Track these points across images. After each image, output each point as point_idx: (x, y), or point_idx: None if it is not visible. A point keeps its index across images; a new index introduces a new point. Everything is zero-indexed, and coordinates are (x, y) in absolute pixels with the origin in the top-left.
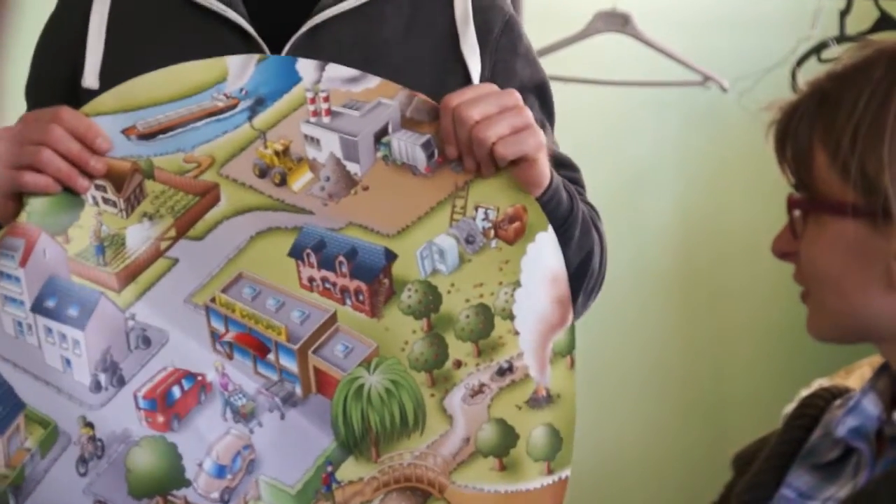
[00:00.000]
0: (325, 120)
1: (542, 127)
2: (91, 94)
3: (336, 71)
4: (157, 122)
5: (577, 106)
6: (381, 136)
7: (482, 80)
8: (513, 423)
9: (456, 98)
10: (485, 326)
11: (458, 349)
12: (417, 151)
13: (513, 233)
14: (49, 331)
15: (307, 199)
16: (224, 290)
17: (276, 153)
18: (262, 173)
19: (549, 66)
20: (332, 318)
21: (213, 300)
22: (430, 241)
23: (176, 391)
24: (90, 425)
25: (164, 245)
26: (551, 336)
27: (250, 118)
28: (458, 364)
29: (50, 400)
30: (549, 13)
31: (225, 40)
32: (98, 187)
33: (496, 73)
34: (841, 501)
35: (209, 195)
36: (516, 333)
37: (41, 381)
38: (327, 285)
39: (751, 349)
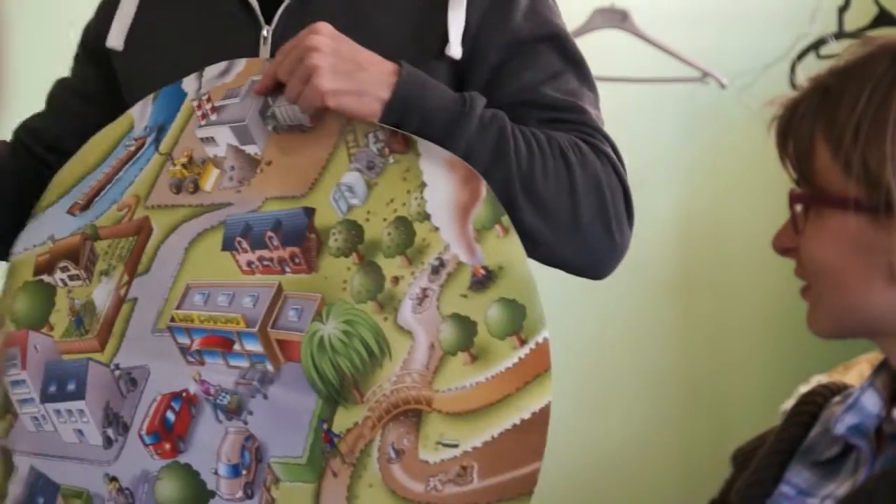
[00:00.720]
0: (213, 117)
1: (557, 74)
2: (114, 55)
3: (210, 72)
4: (90, 188)
5: None
6: (264, 111)
7: (467, 36)
8: (465, 312)
9: (277, 56)
10: (407, 236)
11: (391, 266)
12: (297, 111)
13: (402, 142)
14: (58, 412)
15: (222, 193)
16: (178, 307)
17: (184, 165)
18: (178, 188)
19: None
20: (279, 290)
21: (172, 319)
22: (337, 182)
23: (170, 415)
24: (115, 479)
25: (122, 291)
26: (469, 216)
27: (156, 147)
28: (396, 280)
29: (77, 472)
30: None
31: (224, 9)
32: (62, 269)
33: (485, 26)
34: (839, 499)
35: (144, 230)
36: (436, 230)
37: (66, 459)
38: (265, 262)
39: (750, 345)
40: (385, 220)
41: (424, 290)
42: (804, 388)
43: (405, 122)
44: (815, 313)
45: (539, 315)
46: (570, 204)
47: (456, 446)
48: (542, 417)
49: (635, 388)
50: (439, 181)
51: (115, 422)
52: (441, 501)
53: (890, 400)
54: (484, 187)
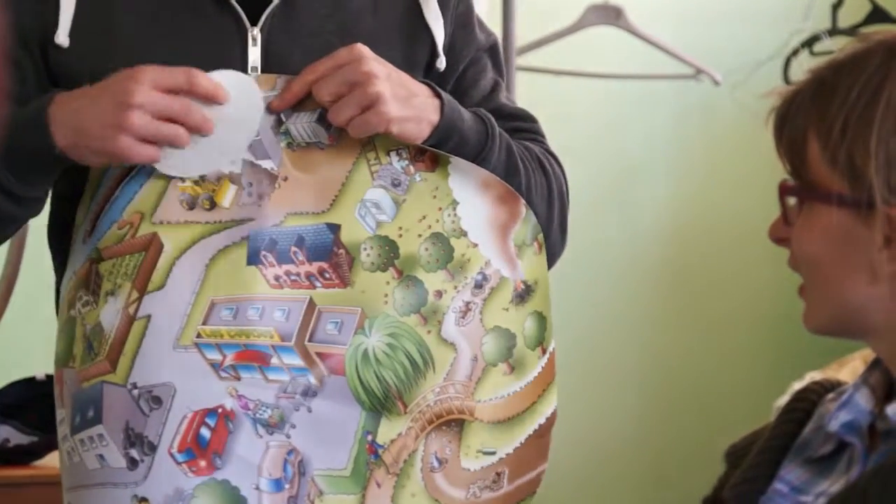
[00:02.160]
0: None
1: (497, 83)
2: (62, 52)
3: None
4: (93, 212)
5: (569, 99)
6: (277, 127)
7: (445, 46)
8: (507, 325)
9: (310, 74)
10: (446, 251)
11: (433, 281)
12: (316, 127)
13: (429, 161)
14: (82, 441)
15: (242, 210)
16: (204, 322)
17: (196, 182)
18: (191, 205)
19: (541, 59)
20: (311, 304)
21: (198, 336)
22: (361, 199)
23: (205, 432)
24: (145, 500)
25: (132, 309)
26: (508, 233)
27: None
28: (439, 294)
29: (104, 497)
30: (542, 6)
31: (200, 5)
32: (79, 299)
33: (456, 38)
34: (833, 496)
35: (152, 247)
36: (475, 245)
37: (92, 486)
38: (293, 277)
39: (743, 341)
40: (420, 235)
41: (468, 303)
42: (798, 385)
43: (444, 142)
44: (808, 309)
45: (552, 326)
46: (546, 214)
47: (494, 454)
48: (551, 421)
49: (627, 384)
50: (473, 199)
51: (138, 442)
52: None
53: (883, 397)
54: (523, 206)
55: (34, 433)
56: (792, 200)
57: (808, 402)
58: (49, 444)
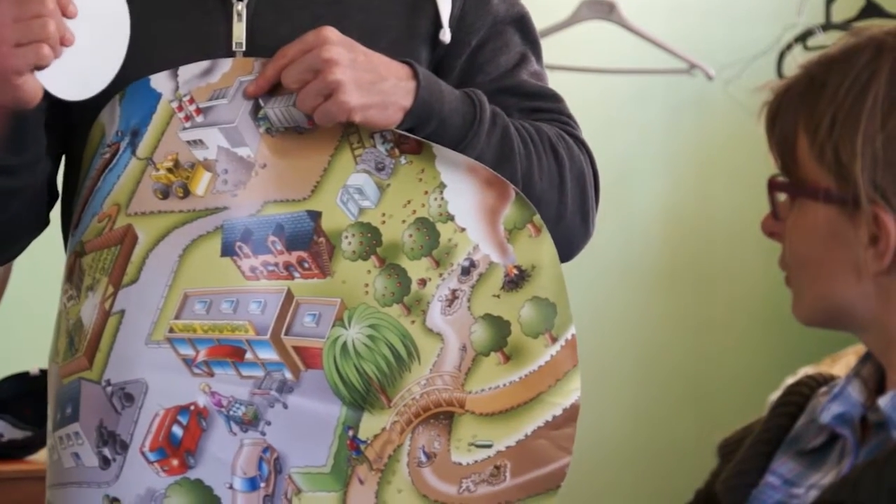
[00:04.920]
0: (199, 119)
1: (524, 57)
2: None
3: (188, 72)
4: (79, 205)
5: (562, 94)
6: (255, 112)
7: (453, 18)
8: (498, 312)
9: (281, 58)
10: (431, 237)
11: (417, 269)
12: (293, 111)
13: (415, 142)
14: (61, 439)
15: (216, 198)
16: (177, 317)
17: (169, 170)
18: (165, 194)
19: None
20: (289, 295)
21: (171, 330)
22: (344, 185)
23: (177, 430)
24: (116, 500)
25: (108, 304)
26: (498, 217)
27: (133, 152)
28: (423, 282)
29: (77, 496)
30: (536, 1)
31: None
32: (64, 293)
33: (468, 10)
34: (824, 488)
35: (127, 239)
36: (462, 230)
37: (68, 485)
38: (270, 268)
39: (737, 337)
40: (404, 221)
41: (454, 291)
42: (791, 380)
43: (422, 127)
44: (795, 300)
45: (568, 312)
46: (557, 199)
47: (490, 446)
48: (572, 413)
49: (621, 380)
50: (460, 182)
51: (110, 440)
52: (474, 502)
53: (875, 390)
54: (512, 190)
55: (28, 428)
56: (782, 196)
57: (800, 396)
58: (43, 439)
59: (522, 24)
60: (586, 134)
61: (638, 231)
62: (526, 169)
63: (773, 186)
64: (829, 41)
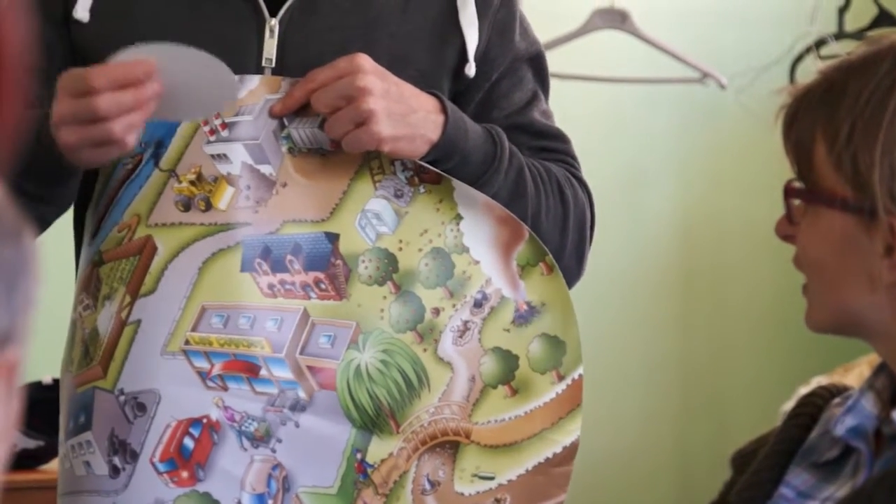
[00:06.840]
0: (224, 134)
1: (535, 95)
2: (81, 28)
3: None
4: (98, 215)
5: (575, 103)
6: (279, 130)
7: (478, 52)
8: (508, 346)
9: (310, 82)
10: (446, 268)
11: (431, 298)
12: (318, 133)
13: (434, 173)
14: (73, 448)
15: (238, 213)
16: (194, 329)
17: (192, 182)
18: (186, 206)
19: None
20: (305, 315)
21: (186, 342)
22: (362, 209)
23: (188, 442)
24: None
25: (124, 314)
26: (511, 253)
27: (156, 163)
28: (437, 312)
29: None
30: (548, 10)
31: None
32: (80, 303)
33: (492, 45)
34: (838, 501)
35: (146, 249)
36: (476, 263)
37: (78, 493)
38: (287, 286)
39: (750, 346)
40: (420, 250)
41: (466, 322)
42: (804, 390)
43: (444, 161)
44: (810, 309)
45: (578, 352)
46: (558, 241)
47: (492, 479)
48: (571, 452)
49: (633, 388)
50: (476, 216)
51: (121, 450)
52: None
53: (889, 402)
54: (526, 230)
55: (40, 437)
56: (797, 201)
57: (813, 407)
58: (55, 449)
59: (537, 62)
60: (598, 142)
61: (649, 239)
62: (535, 209)
63: (788, 192)
64: (842, 50)
